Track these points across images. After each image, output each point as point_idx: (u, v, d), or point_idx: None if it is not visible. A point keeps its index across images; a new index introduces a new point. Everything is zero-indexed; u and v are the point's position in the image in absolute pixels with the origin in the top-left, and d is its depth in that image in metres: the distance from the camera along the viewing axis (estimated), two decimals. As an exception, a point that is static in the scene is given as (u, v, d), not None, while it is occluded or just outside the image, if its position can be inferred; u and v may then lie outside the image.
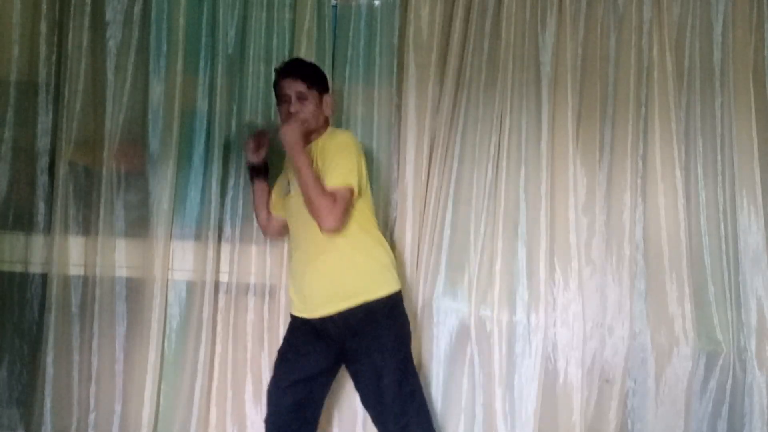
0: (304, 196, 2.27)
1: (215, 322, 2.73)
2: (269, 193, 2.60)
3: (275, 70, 2.49)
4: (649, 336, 2.64)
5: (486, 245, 2.66)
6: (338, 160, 2.28)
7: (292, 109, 2.36)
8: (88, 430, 2.72)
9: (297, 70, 2.41)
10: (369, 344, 2.30)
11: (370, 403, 2.37)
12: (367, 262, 2.34)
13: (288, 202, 2.46)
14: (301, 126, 2.33)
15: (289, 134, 2.29)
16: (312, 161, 2.31)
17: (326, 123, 2.46)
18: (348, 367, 2.41)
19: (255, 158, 2.54)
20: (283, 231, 2.58)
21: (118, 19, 2.75)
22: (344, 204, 2.25)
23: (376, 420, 2.36)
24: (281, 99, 2.42)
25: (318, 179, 2.25)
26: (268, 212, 2.60)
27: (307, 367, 2.38)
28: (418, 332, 2.67)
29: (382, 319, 2.31)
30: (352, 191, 2.27)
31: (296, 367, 2.39)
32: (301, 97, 2.37)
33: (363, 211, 2.36)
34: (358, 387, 2.39)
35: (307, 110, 2.37)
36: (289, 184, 2.47)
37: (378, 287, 2.32)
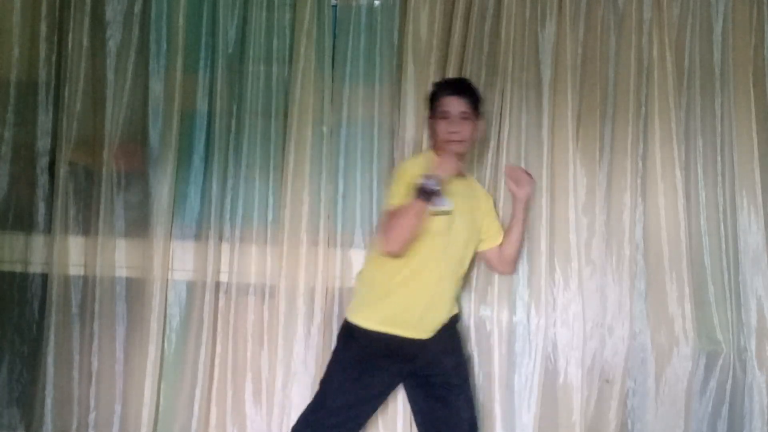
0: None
1: (215, 322, 2.73)
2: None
3: (436, 84, 2.46)
4: (649, 336, 2.64)
5: (486, 245, 2.67)
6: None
7: (456, 128, 2.32)
8: (88, 430, 2.72)
9: (465, 90, 2.38)
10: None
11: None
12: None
13: (437, 221, 2.28)
14: (458, 147, 2.33)
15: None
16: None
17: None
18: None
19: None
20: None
21: (118, 19, 2.76)
22: None
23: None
24: (442, 116, 2.35)
25: None
26: None
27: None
28: (418, 332, 2.67)
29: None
30: None
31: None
32: (466, 118, 2.34)
33: None
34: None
35: (466, 133, 2.34)
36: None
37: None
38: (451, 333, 2.42)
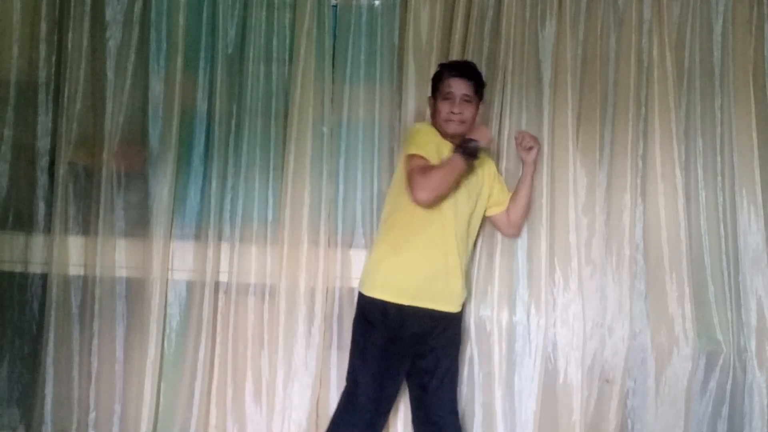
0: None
1: (215, 322, 2.73)
2: None
3: (442, 64, 2.51)
4: (649, 336, 2.64)
5: (486, 245, 2.66)
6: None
7: (457, 110, 2.39)
8: (88, 430, 2.72)
9: (470, 72, 2.44)
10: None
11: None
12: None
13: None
14: (459, 128, 2.40)
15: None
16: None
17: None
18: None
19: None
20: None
21: (118, 19, 2.76)
22: None
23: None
24: (445, 96, 2.42)
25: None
26: None
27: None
28: (418, 332, 2.67)
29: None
30: None
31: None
32: (468, 100, 2.41)
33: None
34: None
35: (467, 114, 2.41)
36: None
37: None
38: (454, 325, 2.46)
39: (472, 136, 2.35)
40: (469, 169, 2.37)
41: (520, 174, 2.58)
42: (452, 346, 2.45)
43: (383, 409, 2.40)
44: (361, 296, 2.40)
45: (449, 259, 2.37)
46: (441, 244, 2.35)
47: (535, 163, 2.56)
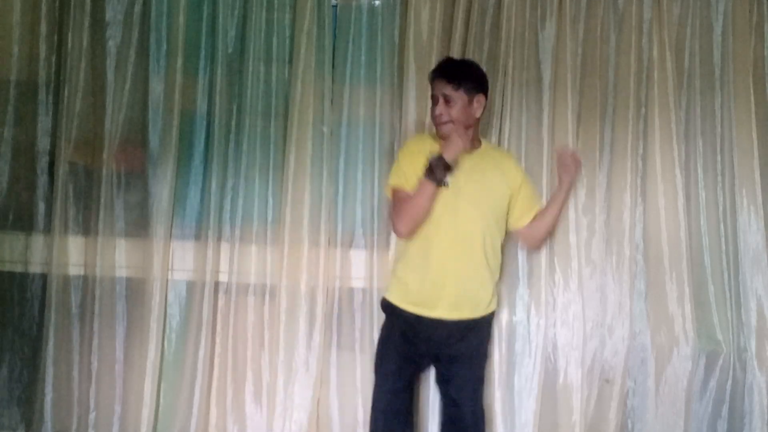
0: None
1: (215, 322, 2.73)
2: None
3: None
4: (649, 336, 2.65)
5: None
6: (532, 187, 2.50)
7: (437, 112, 2.33)
8: (88, 430, 2.72)
9: (446, 71, 2.35)
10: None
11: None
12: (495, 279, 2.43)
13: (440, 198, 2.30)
14: (444, 128, 2.32)
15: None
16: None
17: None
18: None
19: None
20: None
21: (118, 19, 2.76)
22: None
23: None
24: (431, 99, 2.38)
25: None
26: None
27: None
28: (418, 332, 2.67)
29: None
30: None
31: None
32: (448, 98, 2.32)
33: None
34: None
35: (453, 113, 2.31)
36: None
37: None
38: (477, 328, 2.41)
39: (443, 151, 2.24)
40: (443, 185, 2.25)
41: (555, 192, 2.50)
42: (469, 354, 2.39)
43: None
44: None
45: (448, 266, 2.30)
46: (437, 251, 2.30)
47: (571, 184, 2.47)
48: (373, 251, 2.71)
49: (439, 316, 2.31)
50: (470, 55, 2.68)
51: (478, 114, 2.35)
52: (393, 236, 2.61)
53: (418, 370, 2.48)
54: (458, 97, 2.31)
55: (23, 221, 2.75)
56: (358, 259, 2.72)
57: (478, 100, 2.34)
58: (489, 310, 2.40)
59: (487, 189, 2.36)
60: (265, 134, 2.77)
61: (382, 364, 2.40)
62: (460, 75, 2.33)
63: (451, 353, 2.36)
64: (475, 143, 2.39)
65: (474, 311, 2.35)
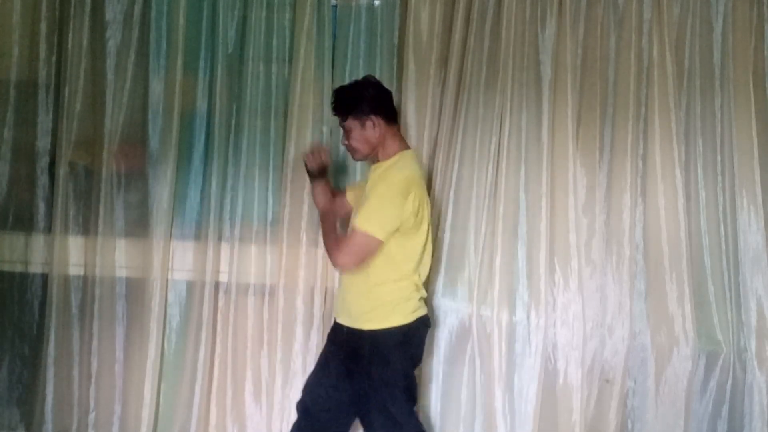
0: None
1: (215, 322, 2.73)
2: (329, 188, 2.55)
3: None
4: (649, 336, 2.64)
5: (486, 245, 2.66)
6: (376, 205, 2.24)
7: (343, 143, 2.39)
8: (88, 430, 2.73)
9: (333, 103, 2.36)
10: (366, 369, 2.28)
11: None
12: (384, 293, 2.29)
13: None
14: (355, 157, 2.39)
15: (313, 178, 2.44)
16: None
17: (399, 145, 2.36)
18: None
19: (312, 164, 2.46)
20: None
21: (118, 19, 2.76)
22: (358, 248, 2.24)
23: None
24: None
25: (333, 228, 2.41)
26: (332, 199, 2.53)
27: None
28: (418, 332, 2.67)
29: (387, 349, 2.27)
30: (374, 240, 2.21)
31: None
32: (345, 129, 2.35)
33: (401, 247, 2.28)
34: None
35: (353, 142, 2.33)
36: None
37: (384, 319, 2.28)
38: (362, 345, 2.29)
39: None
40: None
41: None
42: (362, 369, 2.28)
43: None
44: None
45: (345, 276, 2.36)
46: None
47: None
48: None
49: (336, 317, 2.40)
50: (470, 56, 2.68)
51: (376, 134, 2.30)
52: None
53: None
54: (350, 125, 2.32)
55: (23, 221, 2.76)
56: (358, 259, 2.72)
57: (372, 121, 2.29)
58: (367, 326, 2.27)
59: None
60: (264, 134, 2.77)
61: None
62: (341, 106, 2.33)
63: (350, 368, 2.31)
64: (381, 159, 2.35)
65: (349, 319, 2.32)
